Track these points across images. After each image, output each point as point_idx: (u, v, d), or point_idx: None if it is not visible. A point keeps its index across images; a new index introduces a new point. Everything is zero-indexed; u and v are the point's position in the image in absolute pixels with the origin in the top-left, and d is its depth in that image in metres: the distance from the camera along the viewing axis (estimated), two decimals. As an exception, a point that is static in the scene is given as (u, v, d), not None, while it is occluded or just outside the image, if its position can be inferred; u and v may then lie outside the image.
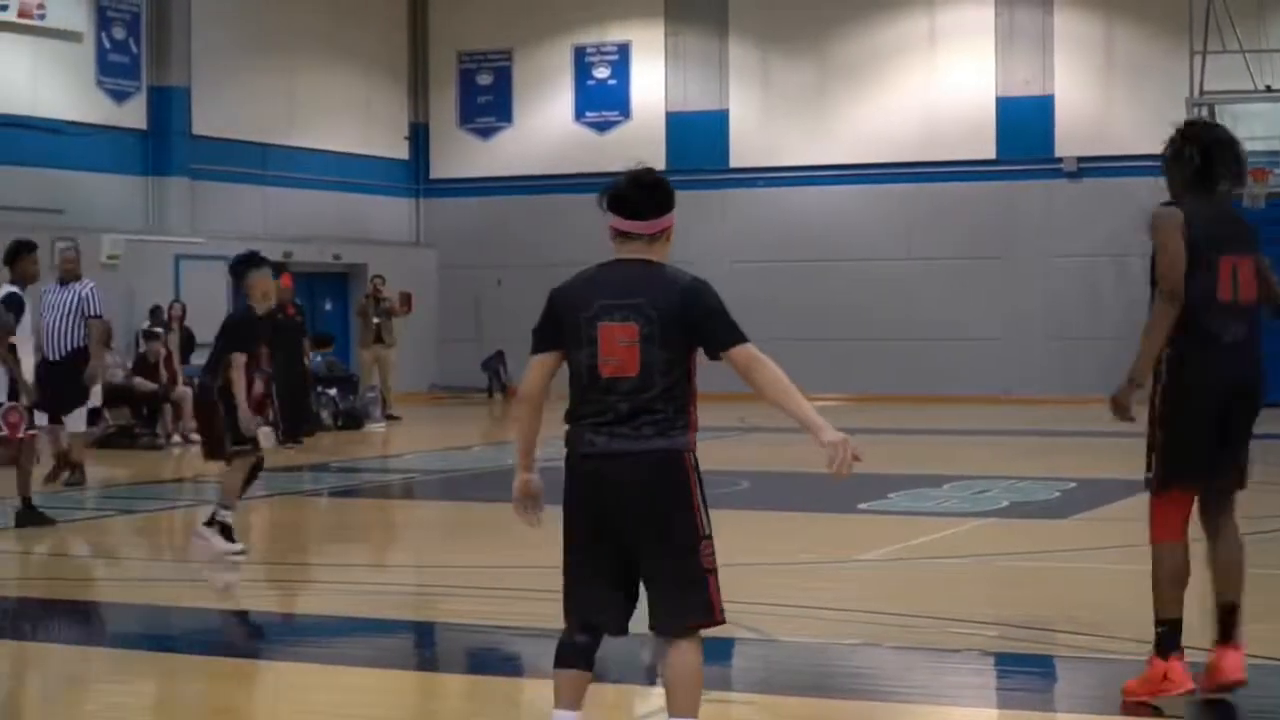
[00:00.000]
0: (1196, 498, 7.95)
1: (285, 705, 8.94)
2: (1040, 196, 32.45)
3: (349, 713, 8.47)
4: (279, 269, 19.45)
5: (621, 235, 6.55)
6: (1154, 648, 7.83)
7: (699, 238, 32.20)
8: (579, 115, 35.85)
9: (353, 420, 27.17)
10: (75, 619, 11.75)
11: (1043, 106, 32.52)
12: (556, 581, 6.62)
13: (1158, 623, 7.81)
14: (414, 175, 36.97)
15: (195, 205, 30.76)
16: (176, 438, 24.39)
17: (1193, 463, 7.79)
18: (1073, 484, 17.83)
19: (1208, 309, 7.68)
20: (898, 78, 33.42)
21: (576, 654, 6.57)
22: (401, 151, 36.71)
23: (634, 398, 6.40)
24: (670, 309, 6.40)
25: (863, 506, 15.99)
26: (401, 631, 10.95)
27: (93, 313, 18.00)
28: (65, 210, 28.11)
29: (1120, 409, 7.80)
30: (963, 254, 32.74)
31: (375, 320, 29.38)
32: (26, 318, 15.55)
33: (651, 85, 35.20)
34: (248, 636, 11.31)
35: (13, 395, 14.88)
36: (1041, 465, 20.05)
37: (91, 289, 18.18)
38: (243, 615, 11.93)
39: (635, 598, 6.54)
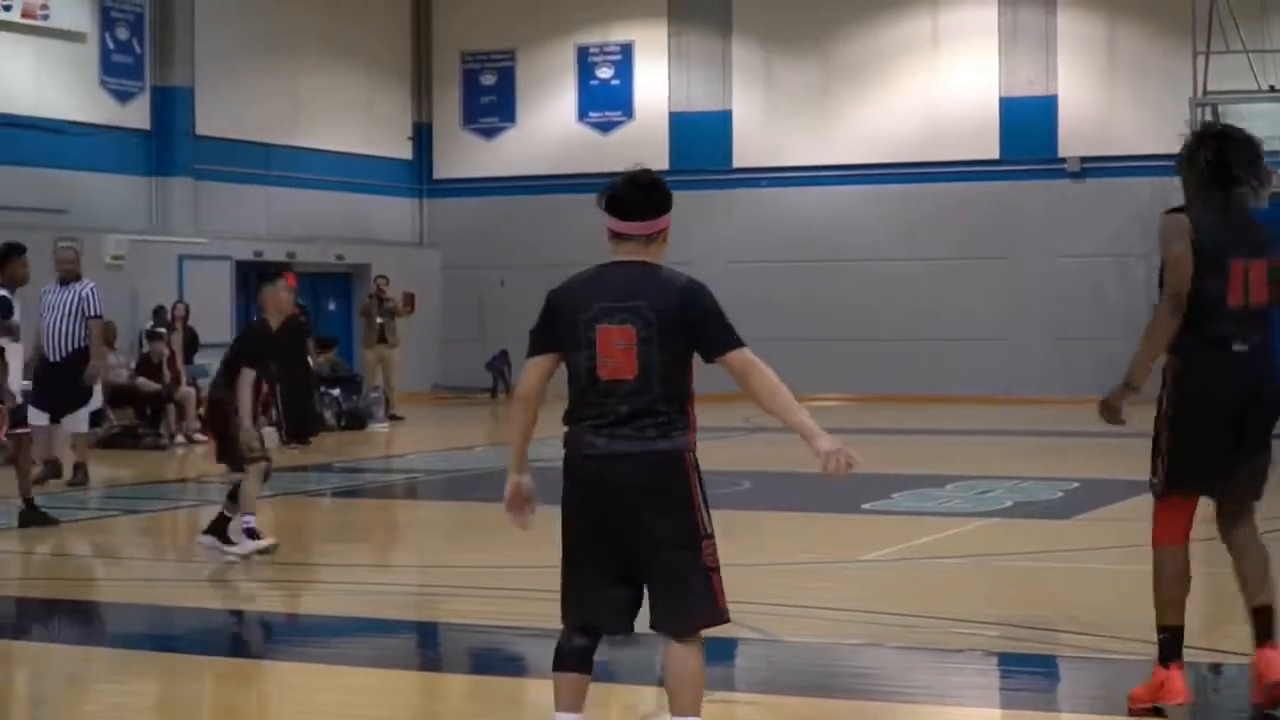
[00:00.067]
0: (1214, 508, 7.87)
1: (289, 705, 8.95)
2: (1043, 197, 32.44)
3: (352, 713, 8.48)
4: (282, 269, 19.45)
5: (618, 236, 6.55)
6: (1157, 654, 7.81)
7: (702, 238, 32.24)
8: (582, 115, 35.85)
9: (356, 420, 27.18)
10: (79, 619, 11.76)
11: (1046, 107, 32.51)
12: (558, 582, 6.63)
13: (1159, 629, 7.77)
14: (417, 175, 36.97)
15: (199, 205, 30.78)
16: (180, 438, 24.43)
17: (1195, 469, 7.71)
18: (1076, 484, 17.82)
19: (1218, 313, 7.59)
20: (901, 78, 33.42)
21: (575, 656, 6.58)
22: (405, 152, 36.72)
23: (634, 400, 6.41)
24: (668, 311, 6.40)
25: (866, 506, 16.00)
26: (404, 632, 10.97)
27: (93, 313, 18.01)
28: (69, 210, 28.12)
29: (1110, 411, 7.73)
30: (965, 254, 32.73)
31: (379, 320, 29.41)
32: (15, 320, 15.47)
33: (655, 85, 35.20)
34: (251, 637, 11.33)
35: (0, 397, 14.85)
36: (1044, 465, 20.05)
37: (91, 289, 18.18)
38: (247, 615, 11.94)
39: (639, 599, 6.54)
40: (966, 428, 26.74)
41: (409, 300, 31.12)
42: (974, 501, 16.74)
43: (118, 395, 24.50)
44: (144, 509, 17.86)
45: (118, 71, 29.73)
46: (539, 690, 6.96)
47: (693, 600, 6.44)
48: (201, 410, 24.90)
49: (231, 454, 13.16)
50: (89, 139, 29.04)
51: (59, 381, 18.00)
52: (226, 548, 13.08)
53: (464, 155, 36.86)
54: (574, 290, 6.56)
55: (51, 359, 18.01)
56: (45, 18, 28.17)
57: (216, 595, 12.37)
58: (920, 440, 25.00)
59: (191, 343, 26.97)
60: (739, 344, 6.42)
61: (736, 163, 34.53)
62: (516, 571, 11.53)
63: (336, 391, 27.43)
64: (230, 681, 9.43)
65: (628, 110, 35.47)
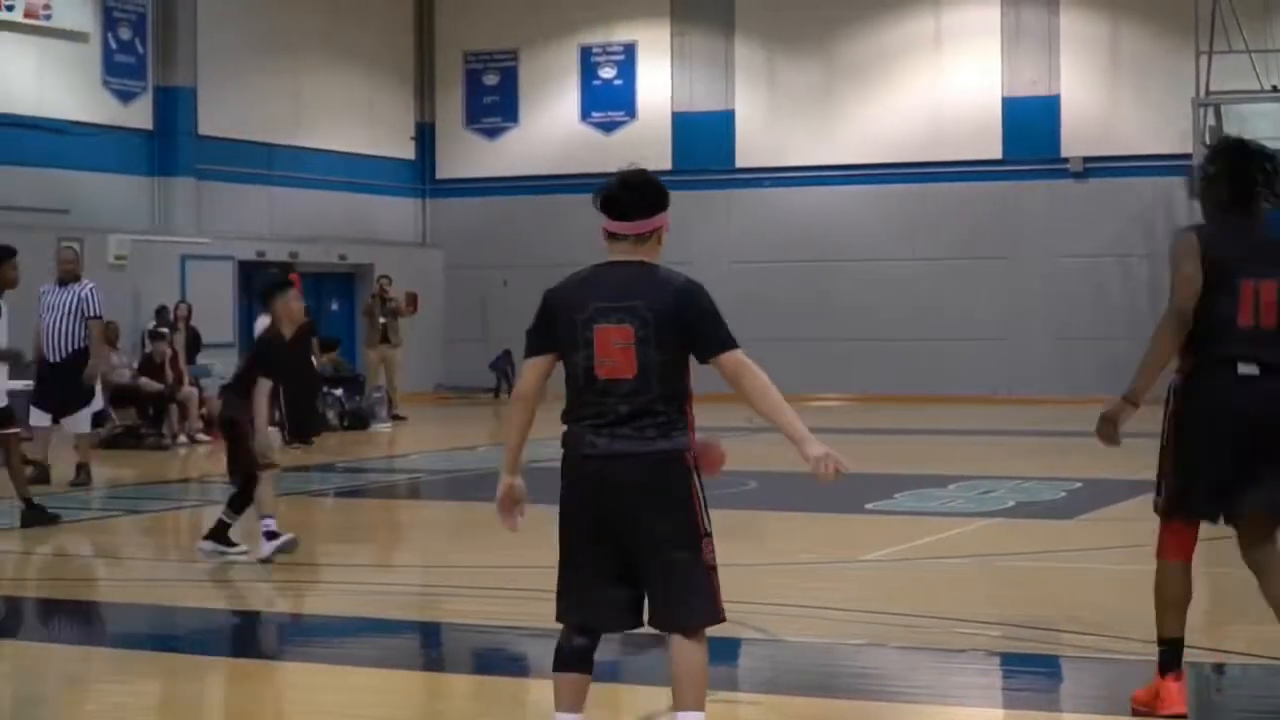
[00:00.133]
0: (1235, 534, 7.76)
1: (292, 705, 8.96)
2: (1045, 197, 32.44)
3: (356, 712, 8.49)
4: (285, 271, 19.49)
5: (612, 236, 6.58)
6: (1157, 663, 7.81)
7: (704, 238, 32.28)
8: (585, 115, 35.87)
9: (359, 420, 27.20)
10: (81, 619, 11.78)
11: (1048, 106, 32.51)
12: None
13: (1159, 640, 7.74)
14: (420, 175, 36.99)
15: (201, 206, 30.79)
16: (183, 438, 24.45)
17: (1195, 496, 7.62)
18: (1078, 484, 17.84)
19: (1227, 334, 7.48)
20: (903, 78, 33.42)
21: (575, 657, 6.59)
22: (407, 152, 36.73)
23: (633, 399, 6.42)
24: (665, 311, 6.42)
25: (869, 507, 16.02)
26: (408, 631, 10.98)
27: (92, 313, 18.05)
28: (71, 210, 28.14)
29: (1108, 427, 7.62)
30: (968, 254, 32.73)
31: (381, 320, 29.43)
32: (3, 323, 15.37)
33: (657, 85, 35.20)
34: (254, 637, 11.34)
35: None
36: (1047, 465, 20.05)
37: (91, 289, 18.21)
38: (249, 615, 11.96)
39: (639, 598, 6.54)
40: (968, 428, 26.75)
41: (412, 300, 31.15)
42: (976, 501, 16.75)
43: (120, 395, 24.51)
44: (146, 509, 17.88)
45: (120, 71, 29.74)
46: (541, 690, 6.97)
47: (694, 601, 6.46)
48: (203, 411, 24.99)
49: (244, 466, 13.07)
50: (91, 139, 29.05)
51: (59, 382, 18.02)
52: (228, 549, 13.09)
53: (467, 155, 36.87)
54: (570, 290, 6.58)
55: (52, 360, 18.03)
56: (48, 17, 28.18)
57: (219, 595, 12.38)
58: (922, 440, 25.01)
59: (194, 343, 26.98)
60: (733, 345, 6.44)
61: (739, 163, 34.54)
62: (519, 571, 11.53)
63: (339, 392, 27.44)
64: (233, 681, 9.45)
65: (630, 110, 35.48)
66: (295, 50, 33.12)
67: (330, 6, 34.13)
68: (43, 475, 18.34)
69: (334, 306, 33.79)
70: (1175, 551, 7.71)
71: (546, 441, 6.80)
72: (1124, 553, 13.33)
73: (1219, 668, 8.97)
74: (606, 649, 6.68)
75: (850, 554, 13.41)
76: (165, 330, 25.68)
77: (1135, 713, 7.78)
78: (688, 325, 6.43)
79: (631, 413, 6.42)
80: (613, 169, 6.77)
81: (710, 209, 33.26)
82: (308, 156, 33.51)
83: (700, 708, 6.46)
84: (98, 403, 18.79)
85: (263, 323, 23.95)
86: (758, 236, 33.93)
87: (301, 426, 23.49)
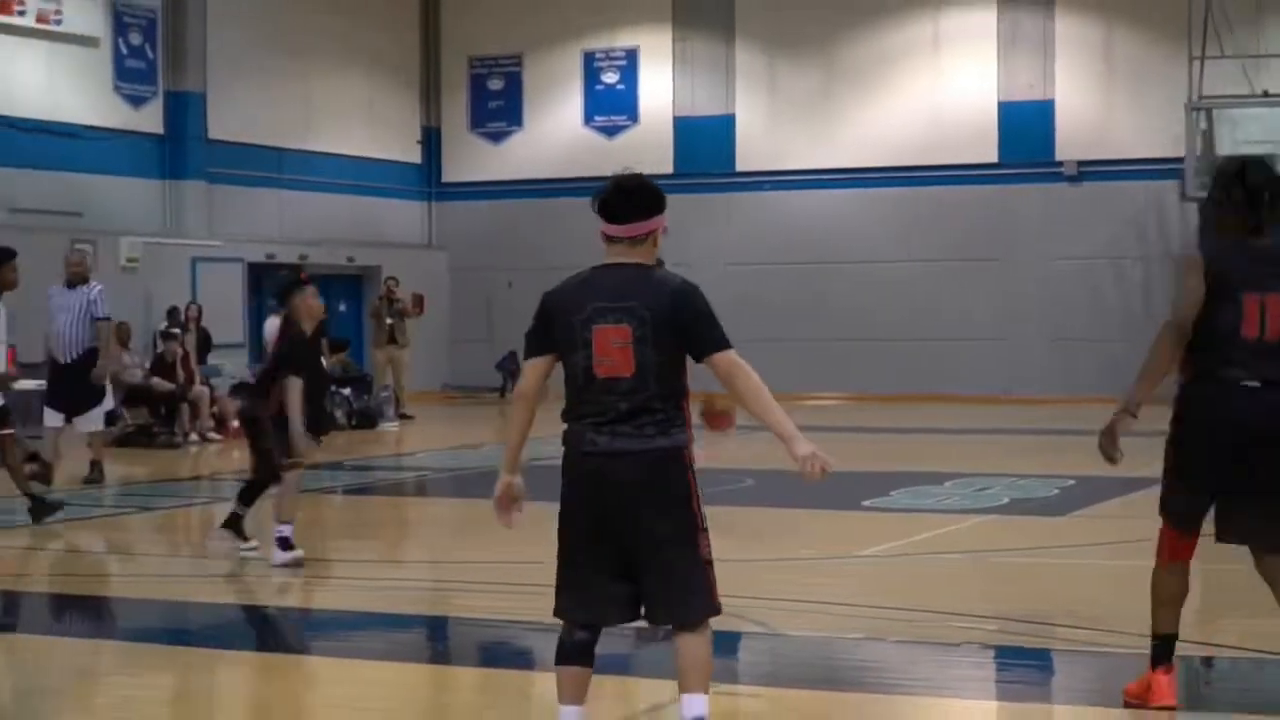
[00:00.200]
0: (1248, 549, 7.71)
1: (303, 698, 8.99)
2: (1040, 200, 32.43)
3: (365, 705, 8.52)
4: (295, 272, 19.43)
5: (609, 239, 6.65)
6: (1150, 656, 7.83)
7: (705, 240, 32.30)
8: (588, 120, 35.87)
9: (367, 419, 27.23)
10: (94, 614, 11.81)
11: (1044, 111, 32.51)
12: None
13: (1152, 635, 7.76)
14: (426, 179, 37.00)
15: (212, 208, 30.80)
16: (194, 436, 24.47)
17: (1187, 505, 7.61)
18: (1071, 481, 17.84)
19: (1230, 345, 7.45)
20: (902, 82, 33.41)
21: (577, 650, 6.65)
22: (414, 155, 36.74)
23: (632, 397, 6.48)
24: (662, 311, 6.48)
25: (866, 503, 16.04)
26: (415, 626, 11.01)
27: (101, 315, 18.10)
28: (84, 213, 28.16)
29: (1109, 439, 7.59)
30: (964, 256, 32.72)
31: (388, 321, 29.47)
32: (1, 325, 15.30)
33: (659, 90, 35.20)
34: (265, 631, 11.38)
35: None
36: (1041, 463, 20.05)
37: (99, 291, 18.26)
38: (260, 610, 11.97)
39: (638, 593, 6.59)
40: (964, 427, 26.75)
41: (418, 301, 31.16)
42: (972, 498, 16.77)
43: (132, 395, 24.57)
44: (158, 506, 17.91)
45: (131, 76, 29.76)
46: (546, 683, 7.00)
47: (693, 599, 6.54)
48: (214, 410, 25.03)
49: (268, 466, 12.98)
50: (103, 143, 29.07)
51: (71, 382, 18.07)
52: (241, 544, 13.09)
53: (472, 159, 36.89)
54: (567, 292, 6.64)
55: (63, 361, 18.09)
56: (59, 23, 28.18)
57: (230, 590, 12.39)
58: (918, 439, 25.02)
59: (205, 343, 27.01)
60: (727, 345, 6.51)
61: (739, 166, 34.53)
62: (524, 567, 11.54)
63: (347, 391, 27.46)
64: (244, 675, 9.48)
65: (633, 114, 35.49)
66: (304, 56, 33.14)
67: (338, 13, 34.13)
68: (45, 474, 18.34)
69: (342, 308, 33.78)
70: (1173, 554, 7.71)
71: (548, 440, 6.83)
72: (1116, 548, 13.36)
73: (1208, 661, 9.00)
74: (620, 644, 6.70)
75: (848, 550, 13.43)
76: (176, 331, 25.71)
77: (1127, 705, 7.81)
78: (684, 325, 6.49)
79: (630, 410, 6.48)
80: (616, 172, 6.83)
81: (711, 212, 33.28)
82: (316, 160, 33.53)
83: (704, 691, 6.53)
84: (109, 402, 18.81)
85: (272, 324, 24.04)
86: (757, 239, 33.93)
87: (310, 425, 23.43)
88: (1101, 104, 32.29)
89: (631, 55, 35.51)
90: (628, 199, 6.63)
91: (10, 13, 27.33)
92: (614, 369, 6.48)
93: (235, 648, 10.36)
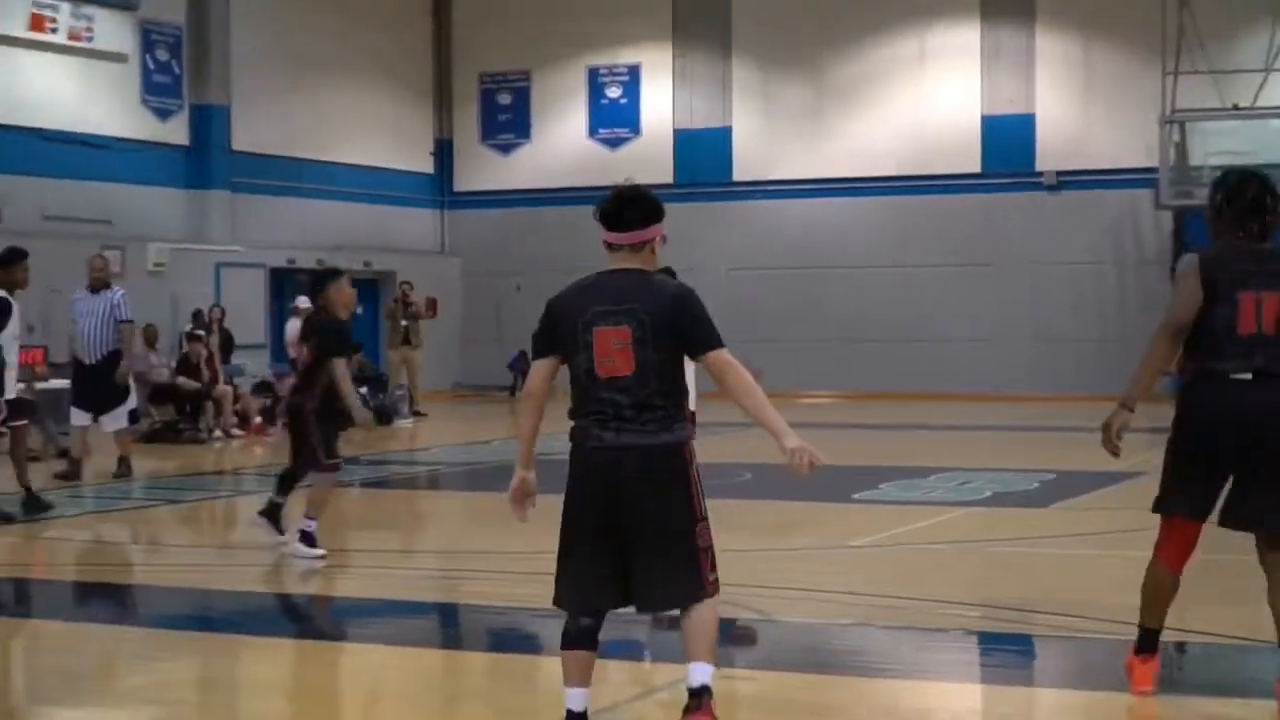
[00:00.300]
0: (1255, 542, 7.58)
1: (321, 680, 8.99)
2: (1022, 208, 32.41)
3: (381, 688, 8.53)
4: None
5: (610, 246, 6.71)
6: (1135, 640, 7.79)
7: (704, 247, 32.27)
8: (592, 132, 35.86)
9: (382, 417, 27.18)
10: (124, 601, 11.81)
11: (1024, 123, 32.50)
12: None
13: (1139, 625, 7.73)
14: (439, 188, 37.00)
15: (235, 216, 30.81)
16: (218, 432, 24.49)
17: (1179, 495, 7.54)
18: (1051, 475, 17.84)
19: (1227, 341, 7.39)
20: (889, 96, 33.40)
21: (581, 636, 6.69)
22: (427, 166, 36.75)
23: (633, 395, 6.54)
24: (661, 314, 6.54)
25: (856, 496, 16.05)
26: (428, 612, 11.02)
27: (123, 318, 18.14)
28: (113, 221, 28.17)
29: (1108, 435, 7.57)
30: (950, 261, 32.72)
31: (403, 323, 29.48)
32: (14, 321, 15.17)
33: (660, 104, 35.20)
34: (286, 617, 11.38)
35: None
36: (1022, 458, 20.05)
37: (122, 296, 18.29)
38: (281, 598, 11.98)
39: (634, 579, 6.65)
40: (950, 423, 26.74)
41: (431, 305, 31.16)
42: (956, 491, 16.76)
43: (159, 393, 24.60)
44: (184, 499, 17.92)
45: (158, 91, 29.77)
46: (551, 666, 7.01)
47: (691, 586, 6.59)
48: (237, 407, 25.03)
49: (310, 460, 12.73)
50: (132, 154, 29.07)
51: (95, 382, 18.11)
52: (277, 537, 12.88)
53: (482, 169, 36.88)
54: (570, 297, 6.70)
55: (87, 362, 18.13)
56: (90, 40, 28.19)
57: (253, 579, 12.37)
58: (906, 435, 25.00)
59: (227, 344, 27.01)
60: (721, 345, 6.58)
61: (736, 176, 34.53)
62: (532, 557, 11.54)
63: (364, 390, 27.39)
64: (265, 659, 9.47)
65: (635, 127, 35.48)
66: (323, 72, 33.14)
67: (356, 31, 34.14)
68: (75, 473, 18.36)
69: (359, 311, 33.65)
70: (1170, 558, 7.62)
71: (555, 436, 6.85)
72: (1095, 539, 13.39)
73: (1181, 646, 8.99)
74: (622, 630, 6.70)
75: (839, 540, 13.43)
76: (201, 332, 25.71)
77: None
78: (682, 327, 6.56)
79: (633, 407, 6.53)
80: (618, 183, 6.87)
81: (709, 219, 33.26)
82: (334, 170, 33.53)
83: (710, 659, 6.59)
84: (132, 401, 18.81)
85: (293, 326, 24.06)
86: (753, 245, 33.92)
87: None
88: (1080, 117, 32.27)
89: (634, 71, 35.50)
90: (627, 208, 6.69)
91: (44, 31, 27.35)
92: (615, 369, 6.53)
93: (258, 633, 10.34)
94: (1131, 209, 31.40)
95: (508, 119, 36.63)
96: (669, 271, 12.84)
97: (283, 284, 30.91)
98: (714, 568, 6.65)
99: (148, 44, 29.53)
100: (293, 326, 24.46)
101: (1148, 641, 7.72)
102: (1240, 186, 7.62)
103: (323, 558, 12.49)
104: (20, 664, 9.68)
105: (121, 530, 15.63)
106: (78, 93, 28.32)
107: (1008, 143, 32.43)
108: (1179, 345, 7.52)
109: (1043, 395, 30.60)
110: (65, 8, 27.68)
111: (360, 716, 8.21)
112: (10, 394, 14.94)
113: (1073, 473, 17.77)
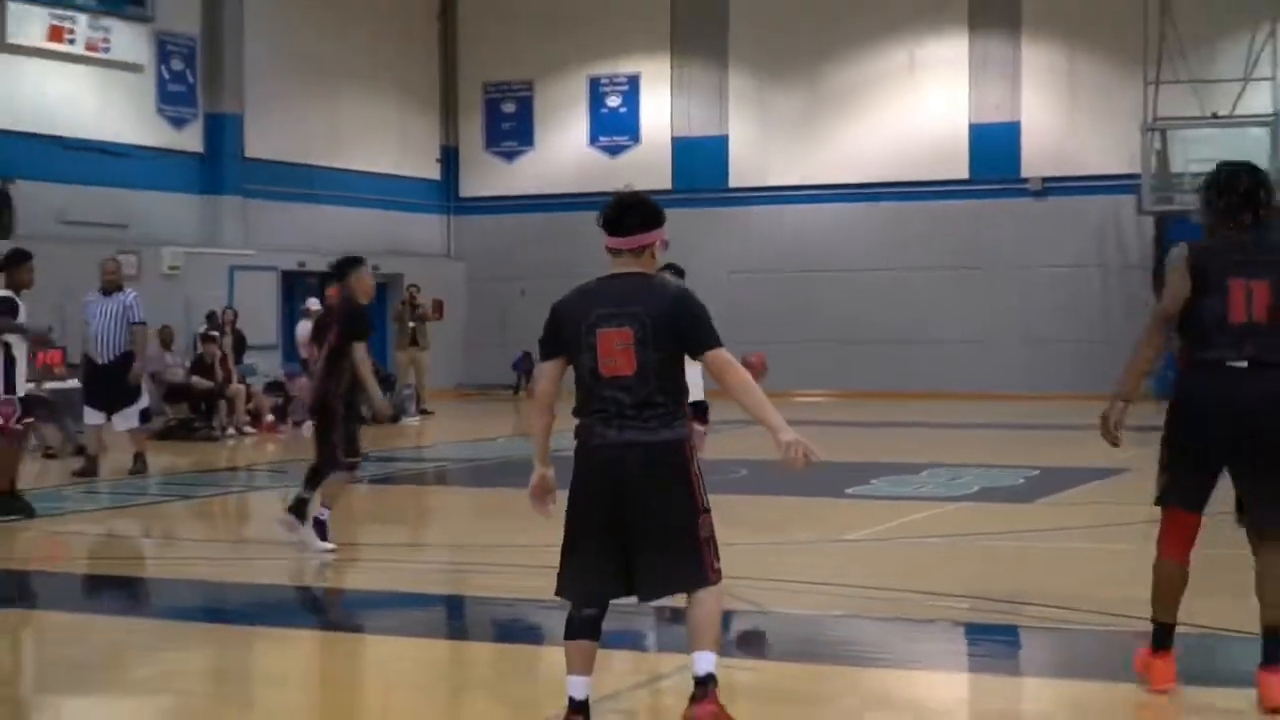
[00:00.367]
0: (1246, 533, 7.48)
1: (331, 670, 8.99)
2: (1009, 213, 32.39)
3: (389, 678, 8.52)
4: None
5: (612, 250, 6.73)
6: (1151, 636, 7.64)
7: (702, 252, 32.20)
8: (593, 140, 35.86)
9: (390, 415, 27.15)
10: (138, 593, 11.81)
11: (1011, 131, 32.47)
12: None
13: (1152, 619, 7.57)
14: (445, 194, 36.99)
15: (247, 221, 30.80)
16: (231, 430, 24.48)
17: (1174, 484, 7.44)
18: (1037, 471, 17.81)
19: (1218, 330, 7.28)
20: (880, 105, 33.39)
21: (584, 626, 6.69)
22: (434, 172, 36.74)
23: (635, 394, 6.55)
24: (661, 316, 6.56)
25: (849, 491, 16.04)
26: (435, 604, 11.00)
27: (136, 319, 18.13)
28: (129, 225, 28.18)
29: (1106, 426, 7.50)
30: (939, 265, 32.70)
31: (410, 325, 29.49)
32: (21, 320, 15.03)
33: (659, 112, 35.19)
34: (296, 609, 11.36)
35: (9, 388, 14.51)
36: (1010, 455, 20.01)
37: (134, 298, 18.27)
38: (292, 590, 11.95)
39: (634, 570, 6.66)
40: (941, 421, 26.74)
41: (438, 307, 31.14)
42: (945, 487, 16.74)
43: (173, 392, 24.60)
44: (198, 495, 17.90)
45: (173, 100, 29.77)
46: (556, 656, 7.00)
47: (693, 576, 6.61)
48: (249, 406, 25.01)
49: (331, 457, 12.56)
50: (148, 161, 29.07)
51: (107, 382, 18.10)
52: (295, 535, 12.63)
53: (487, 176, 36.88)
54: (574, 301, 6.73)
55: (100, 362, 18.12)
56: (107, 50, 28.20)
57: (265, 572, 12.35)
58: (898, 432, 24.99)
59: (240, 344, 27.00)
60: (719, 344, 6.60)
61: (733, 182, 34.53)
62: (536, 550, 11.55)
63: (373, 389, 27.39)
64: (276, 650, 9.45)
65: (634, 135, 35.47)
66: (333, 81, 33.15)
67: (365, 42, 34.15)
68: (92, 469, 18.33)
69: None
70: (1173, 550, 7.48)
71: (562, 434, 6.85)
72: (1080, 533, 13.37)
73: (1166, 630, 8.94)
74: (624, 621, 6.69)
75: (833, 534, 13.41)
76: (215, 333, 25.69)
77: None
78: (682, 328, 6.59)
79: (635, 405, 6.54)
80: (618, 189, 6.88)
81: (707, 225, 33.23)
82: (344, 176, 33.52)
83: (713, 649, 6.59)
84: (144, 400, 18.79)
85: (304, 327, 24.06)
86: (749, 250, 33.91)
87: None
88: (1064, 125, 32.26)
89: (633, 81, 35.49)
90: (628, 214, 6.71)
91: (62, 41, 27.36)
92: (618, 369, 6.56)
93: (269, 624, 10.33)
94: (1115, 214, 31.39)
95: (511, 127, 36.62)
96: (677, 269, 12.90)
97: (294, 287, 30.89)
98: (717, 557, 6.67)
99: (163, 54, 29.53)
100: (303, 328, 24.48)
101: (1162, 637, 7.54)
102: (1232, 179, 7.58)
103: (332, 551, 12.46)
104: (31, 654, 9.65)
105: (136, 525, 15.61)
106: (96, 101, 28.32)
107: (995, 150, 32.43)
108: (1168, 335, 7.45)
109: (1031, 395, 30.60)
110: (83, 19, 27.70)
111: (369, 705, 8.20)
112: (21, 392, 14.89)
113: (1058, 469, 17.75)
